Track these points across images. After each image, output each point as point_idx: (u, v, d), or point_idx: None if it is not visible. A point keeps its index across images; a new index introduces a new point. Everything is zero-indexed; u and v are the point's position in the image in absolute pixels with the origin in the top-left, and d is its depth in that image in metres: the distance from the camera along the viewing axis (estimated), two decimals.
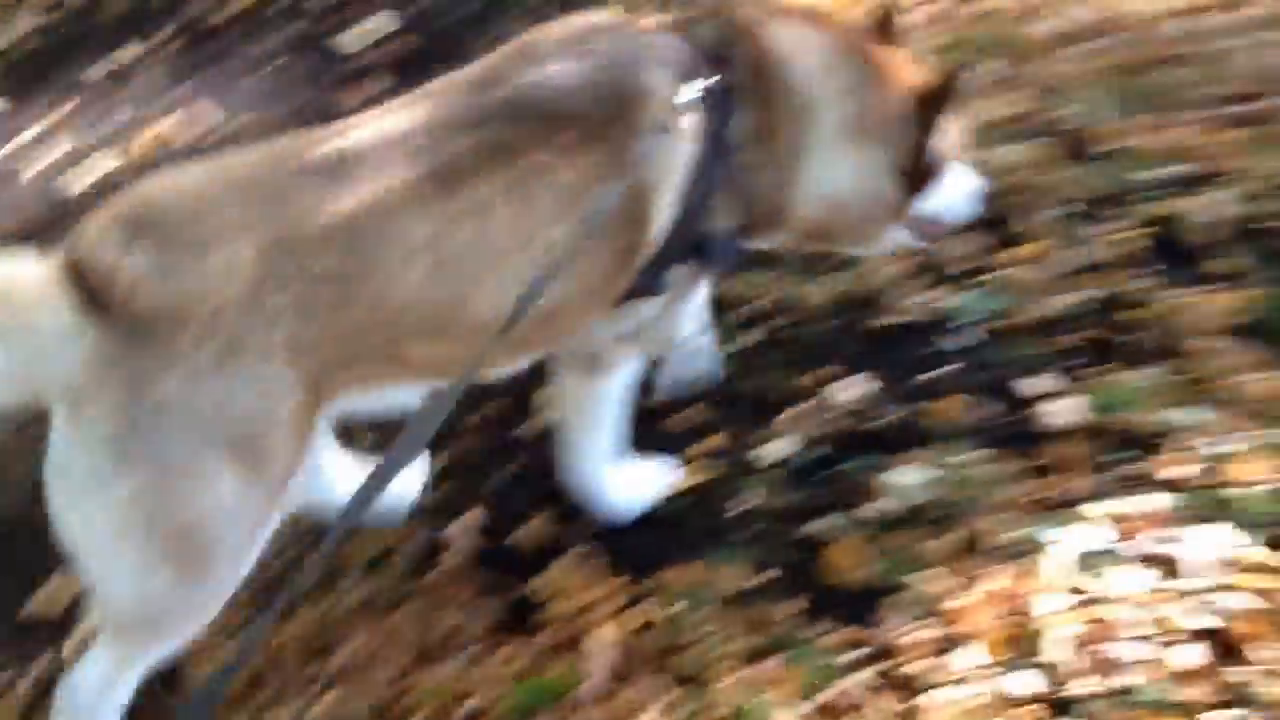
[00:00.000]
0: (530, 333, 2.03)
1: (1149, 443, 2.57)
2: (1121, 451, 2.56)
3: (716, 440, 2.75)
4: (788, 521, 2.58)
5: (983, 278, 2.99)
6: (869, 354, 2.87)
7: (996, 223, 3.09)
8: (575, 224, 1.97)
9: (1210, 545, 2.36)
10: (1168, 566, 2.33)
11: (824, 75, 2.24)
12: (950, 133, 2.34)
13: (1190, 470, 2.50)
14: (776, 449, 2.70)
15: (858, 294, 3.01)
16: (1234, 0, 3.70)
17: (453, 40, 3.73)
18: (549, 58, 2.07)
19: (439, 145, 1.96)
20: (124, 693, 2.13)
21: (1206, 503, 2.44)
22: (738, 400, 2.79)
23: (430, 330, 1.99)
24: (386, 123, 2.01)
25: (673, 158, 2.08)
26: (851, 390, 2.79)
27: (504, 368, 2.25)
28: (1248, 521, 2.40)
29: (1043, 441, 2.62)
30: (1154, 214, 3.07)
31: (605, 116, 2.03)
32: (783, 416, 2.77)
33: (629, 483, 2.60)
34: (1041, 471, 2.56)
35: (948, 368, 2.82)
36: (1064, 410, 2.66)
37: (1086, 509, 2.45)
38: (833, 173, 2.28)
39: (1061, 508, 2.47)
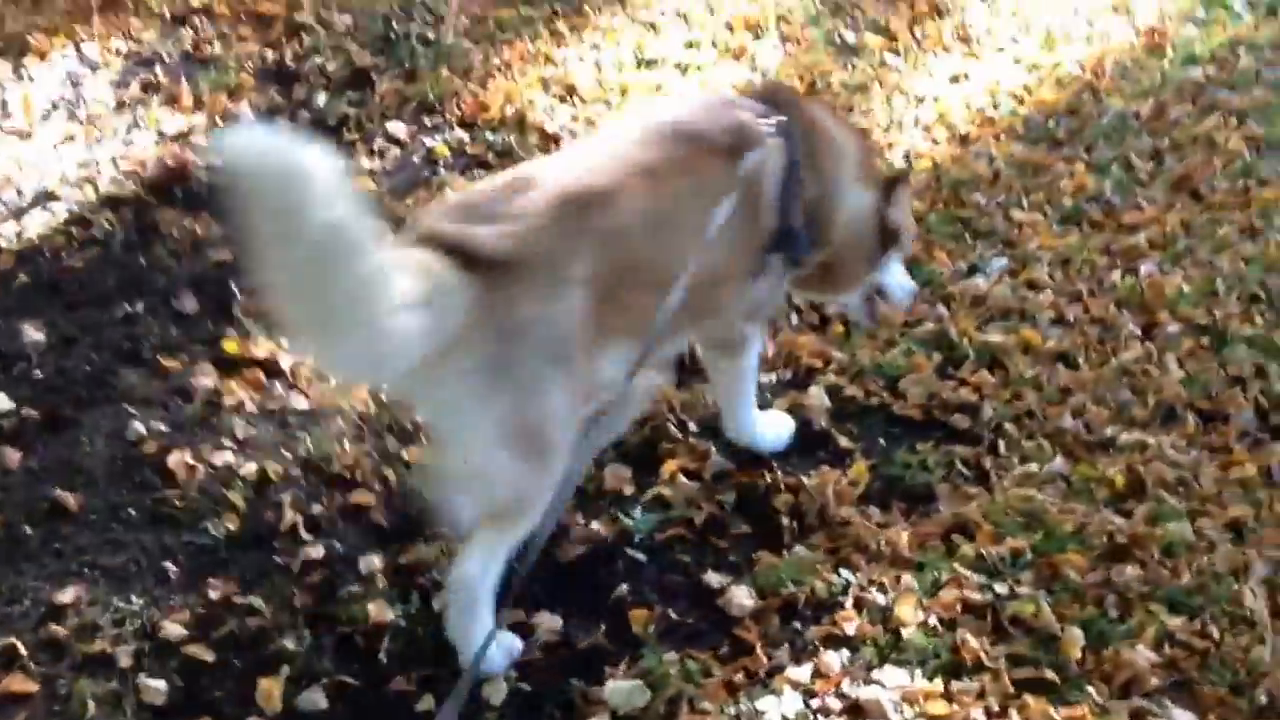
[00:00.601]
0: (698, 301, 2.77)
1: (821, 606, 2.90)
2: (800, 619, 2.88)
3: (433, 696, 2.80)
4: None
5: (646, 495, 3.28)
6: (562, 584, 3.05)
7: (644, 450, 3.44)
8: (718, 215, 2.77)
9: (889, 685, 2.68)
10: (861, 712, 2.63)
11: (841, 130, 3.22)
12: (903, 210, 3.27)
13: (858, 623, 2.85)
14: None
15: None
16: None
17: (71, 405, 3.52)
18: (685, 112, 3.04)
19: (641, 155, 2.80)
20: (495, 573, 2.71)
21: (879, 649, 2.79)
22: (443, 644, 2.83)
23: (641, 282, 2.68)
24: (603, 142, 3.04)
25: (770, 168, 2.92)
26: (553, 620, 2.95)
27: (669, 347, 3.01)
28: (913, 658, 2.76)
29: (733, 625, 2.89)
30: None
31: (728, 143, 2.89)
32: None
33: (772, 424, 3.39)
34: (738, 652, 2.81)
35: (634, 580, 3.04)
36: (744, 594, 2.95)
37: (786, 674, 2.72)
38: (853, 199, 3.16)
39: (764, 680, 2.72)
